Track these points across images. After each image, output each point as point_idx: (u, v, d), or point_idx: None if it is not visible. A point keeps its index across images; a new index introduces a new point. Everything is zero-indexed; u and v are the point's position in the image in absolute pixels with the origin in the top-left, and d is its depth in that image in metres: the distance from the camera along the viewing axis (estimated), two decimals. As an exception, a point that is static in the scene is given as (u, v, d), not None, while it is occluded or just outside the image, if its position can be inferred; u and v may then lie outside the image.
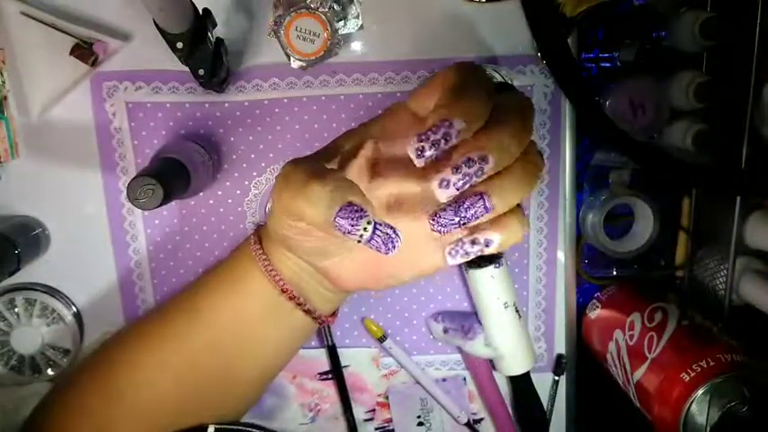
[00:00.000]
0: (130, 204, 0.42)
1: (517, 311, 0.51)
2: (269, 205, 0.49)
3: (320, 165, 0.27)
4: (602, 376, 0.53)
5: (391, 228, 0.24)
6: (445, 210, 0.24)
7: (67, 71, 0.48)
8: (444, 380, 0.55)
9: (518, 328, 0.51)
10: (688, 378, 0.42)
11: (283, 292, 0.31)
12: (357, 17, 0.48)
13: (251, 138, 0.50)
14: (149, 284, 0.52)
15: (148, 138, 0.50)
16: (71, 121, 0.49)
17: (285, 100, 0.50)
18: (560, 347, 0.55)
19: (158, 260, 0.52)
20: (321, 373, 0.55)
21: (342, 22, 0.48)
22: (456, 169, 0.23)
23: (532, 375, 0.53)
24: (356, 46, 0.49)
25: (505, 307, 0.50)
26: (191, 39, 0.40)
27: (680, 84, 0.48)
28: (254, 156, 0.51)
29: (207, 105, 0.50)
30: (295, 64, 0.47)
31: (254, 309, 0.32)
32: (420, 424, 0.56)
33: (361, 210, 0.23)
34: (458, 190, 0.23)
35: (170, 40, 0.40)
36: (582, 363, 0.56)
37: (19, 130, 0.49)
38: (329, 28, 0.45)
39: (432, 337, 0.54)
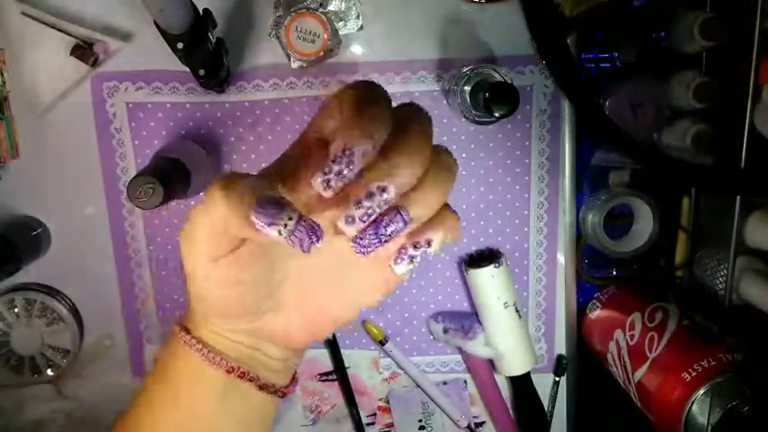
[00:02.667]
0: (131, 204, 0.42)
1: (517, 311, 0.51)
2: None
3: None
4: (603, 376, 0.53)
5: (316, 223, 0.22)
6: (365, 231, 0.24)
7: (68, 71, 0.48)
8: (445, 383, 0.55)
9: (518, 328, 0.51)
10: (689, 378, 0.42)
11: (229, 372, 0.28)
12: (357, 17, 0.48)
13: (251, 138, 0.50)
14: (149, 285, 0.52)
15: (148, 138, 0.50)
16: (71, 122, 0.49)
17: (285, 100, 0.50)
18: (561, 348, 0.55)
19: (158, 260, 0.52)
20: (322, 374, 0.55)
21: (342, 23, 0.48)
22: (358, 204, 0.23)
23: (533, 376, 0.53)
24: (356, 46, 0.50)
25: (506, 307, 0.50)
26: (191, 39, 0.40)
27: (680, 84, 0.48)
28: (255, 156, 0.51)
29: (207, 105, 0.50)
30: (295, 64, 0.47)
31: (203, 405, 0.28)
32: (421, 428, 0.56)
33: (283, 202, 0.22)
34: (364, 222, 0.23)
35: (170, 40, 0.40)
36: (582, 363, 0.56)
37: (19, 131, 0.49)
38: (329, 28, 0.45)
39: (432, 337, 0.54)
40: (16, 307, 0.51)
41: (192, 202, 0.51)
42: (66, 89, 0.48)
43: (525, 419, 0.54)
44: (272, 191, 0.23)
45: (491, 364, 0.54)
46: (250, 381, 0.28)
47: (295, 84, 0.50)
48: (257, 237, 0.23)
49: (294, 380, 0.32)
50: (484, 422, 0.56)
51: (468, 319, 0.52)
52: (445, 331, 0.52)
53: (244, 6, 0.48)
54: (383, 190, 0.23)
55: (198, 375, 0.28)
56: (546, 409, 0.55)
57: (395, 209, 0.24)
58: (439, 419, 0.55)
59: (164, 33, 0.39)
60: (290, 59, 0.47)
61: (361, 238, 0.24)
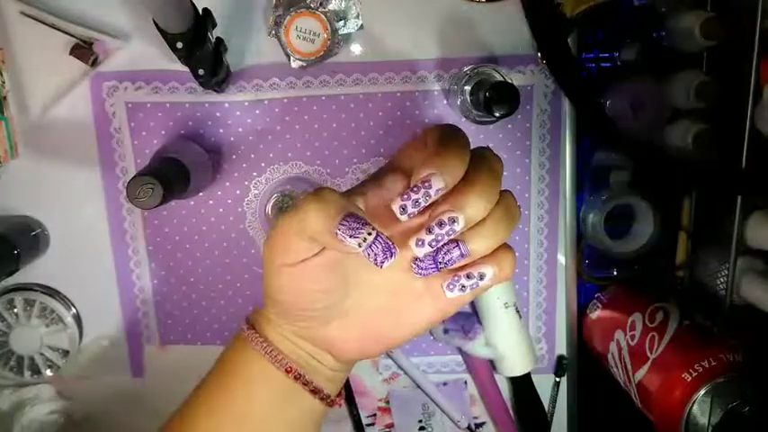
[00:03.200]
0: (130, 204, 0.42)
1: (518, 312, 0.51)
2: (269, 206, 0.49)
3: None
4: (604, 377, 0.53)
5: (392, 241, 0.25)
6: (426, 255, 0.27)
7: (67, 71, 0.48)
8: (445, 383, 0.55)
9: (519, 329, 0.51)
10: (690, 378, 0.42)
11: (288, 371, 0.30)
12: (357, 17, 0.48)
13: (251, 138, 0.50)
14: (149, 285, 0.52)
15: (148, 138, 0.50)
16: (71, 121, 0.49)
17: (285, 100, 0.50)
18: (561, 348, 0.55)
19: (158, 261, 0.52)
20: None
21: (342, 22, 0.48)
22: (429, 230, 0.26)
23: (533, 376, 0.53)
24: (356, 46, 0.50)
25: (506, 307, 0.50)
26: (191, 39, 0.40)
27: (680, 84, 0.48)
28: (254, 156, 0.51)
29: (207, 105, 0.50)
30: (295, 64, 0.47)
31: (258, 400, 0.31)
32: (422, 429, 0.55)
33: (366, 221, 0.25)
34: (431, 248, 0.27)
35: (170, 40, 0.40)
36: (583, 363, 0.56)
37: (18, 130, 0.49)
38: (329, 28, 0.45)
39: (432, 337, 0.54)
40: (15, 307, 0.51)
41: (192, 202, 0.51)
42: (65, 89, 0.48)
43: (526, 420, 0.54)
44: (358, 210, 0.26)
45: (491, 365, 0.53)
46: (304, 384, 0.31)
47: (295, 83, 0.50)
48: (338, 246, 0.26)
49: (340, 393, 0.34)
50: (484, 423, 0.56)
51: (468, 320, 0.52)
52: (445, 331, 0.52)
53: (244, 6, 0.48)
54: (453, 221, 0.26)
55: (256, 372, 0.31)
56: (546, 409, 0.55)
57: (455, 241, 0.27)
58: (439, 420, 0.55)
59: (163, 33, 0.39)
60: (289, 59, 0.46)
61: (421, 261, 0.27)
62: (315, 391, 0.31)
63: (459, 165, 0.27)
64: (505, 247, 0.28)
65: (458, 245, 0.27)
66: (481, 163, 0.28)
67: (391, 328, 0.31)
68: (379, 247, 0.25)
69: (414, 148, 0.29)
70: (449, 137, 0.28)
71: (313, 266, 0.27)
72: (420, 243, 0.26)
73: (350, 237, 0.25)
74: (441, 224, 0.26)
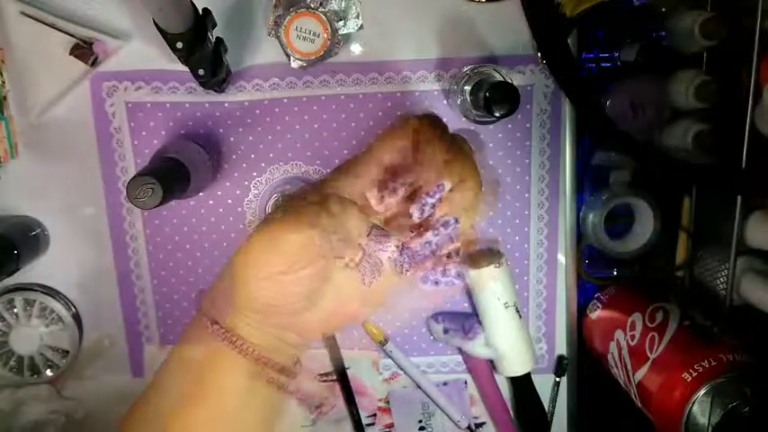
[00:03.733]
0: (130, 204, 0.42)
1: (518, 312, 0.51)
2: (269, 206, 0.49)
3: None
4: (603, 377, 0.53)
5: (414, 251, 0.29)
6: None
7: (67, 71, 0.48)
8: (445, 383, 0.55)
9: (518, 329, 0.51)
10: (690, 378, 0.42)
11: (258, 360, 0.31)
12: (357, 17, 0.48)
13: (251, 138, 0.50)
14: (149, 285, 0.52)
15: (148, 138, 0.50)
16: (71, 121, 0.49)
17: (285, 100, 0.50)
18: (561, 348, 0.55)
19: (158, 260, 0.52)
20: (322, 374, 0.54)
21: (342, 22, 0.48)
22: (435, 231, 0.30)
23: (533, 376, 0.53)
24: (356, 46, 0.49)
25: (506, 307, 0.50)
26: (191, 39, 0.40)
27: (680, 84, 0.48)
28: (254, 156, 0.51)
29: (207, 105, 0.50)
30: (295, 64, 0.47)
31: (232, 395, 0.31)
32: (422, 429, 0.55)
33: (387, 231, 0.28)
34: (435, 246, 0.30)
35: (170, 40, 0.39)
36: (583, 363, 0.56)
37: (18, 131, 0.49)
38: (329, 28, 0.45)
39: (432, 337, 0.54)
40: (15, 307, 0.51)
41: (192, 202, 0.51)
42: (65, 89, 0.48)
43: (525, 420, 0.54)
44: (371, 219, 0.30)
45: (491, 365, 0.53)
46: (272, 367, 0.32)
47: (295, 83, 0.50)
48: (353, 256, 0.29)
49: (299, 361, 0.35)
50: (484, 423, 0.56)
51: (468, 320, 0.52)
52: (445, 331, 0.52)
53: (244, 6, 0.48)
54: (456, 220, 0.30)
55: (226, 365, 0.31)
56: (546, 409, 0.55)
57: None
58: (439, 420, 0.55)
59: (163, 33, 0.39)
60: (289, 59, 0.46)
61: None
62: (282, 370, 0.32)
63: (462, 170, 0.30)
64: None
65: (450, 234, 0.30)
66: (467, 161, 0.31)
67: (358, 306, 0.33)
68: (406, 258, 0.29)
69: (399, 137, 0.31)
70: (440, 125, 0.30)
71: (304, 274, 0.29)
72: (427, 245, 0.30)
73: (381, 250, 0.28)
74: (446, 224, 0.29)
